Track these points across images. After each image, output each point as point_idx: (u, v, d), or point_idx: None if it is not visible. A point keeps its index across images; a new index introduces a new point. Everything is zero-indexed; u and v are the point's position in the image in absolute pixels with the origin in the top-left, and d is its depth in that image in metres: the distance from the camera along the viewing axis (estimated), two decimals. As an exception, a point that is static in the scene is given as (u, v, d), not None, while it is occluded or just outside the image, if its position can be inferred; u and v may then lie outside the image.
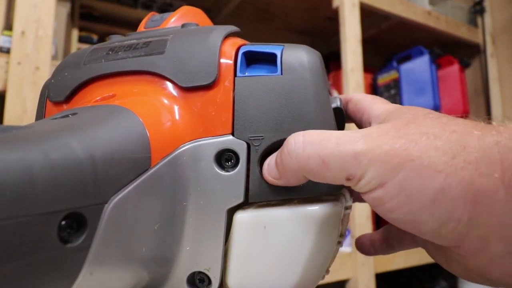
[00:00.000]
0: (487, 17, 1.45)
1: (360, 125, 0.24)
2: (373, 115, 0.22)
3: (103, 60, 0.23)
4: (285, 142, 0.19)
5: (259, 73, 0.21)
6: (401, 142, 0.17)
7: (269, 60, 0.21)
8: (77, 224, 0.15)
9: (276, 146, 0.20)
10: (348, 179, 0.17)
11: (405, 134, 0.17)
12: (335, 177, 0.18)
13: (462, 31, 1.38)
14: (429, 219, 0.16)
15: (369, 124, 0.22)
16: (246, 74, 0.21)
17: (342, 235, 0.23)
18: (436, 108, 1.23)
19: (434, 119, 0.18)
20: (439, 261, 0.21)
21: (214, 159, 0.20)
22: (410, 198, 0.16)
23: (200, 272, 0.20)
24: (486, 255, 0.16)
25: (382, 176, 0.17)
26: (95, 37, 1.19)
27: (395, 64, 1.31)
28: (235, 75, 0.21)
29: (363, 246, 0.27)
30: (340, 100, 0.23)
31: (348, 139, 0.17)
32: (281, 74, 0.20)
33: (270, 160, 0.20)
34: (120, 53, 0.23)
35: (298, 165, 0.18)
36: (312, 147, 0.18)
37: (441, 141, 0.16)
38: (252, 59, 0.22)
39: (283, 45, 0.21)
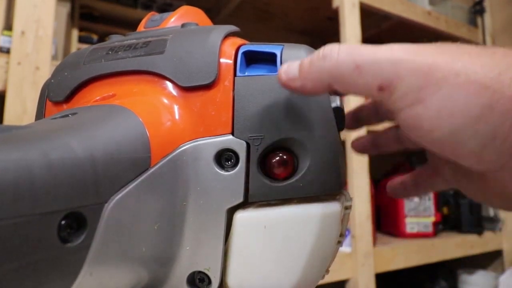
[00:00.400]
0: (487, 17, 1.45)
1: None
2: None
3: (103, 60, 0.23)
4: (319, 50, 0.18)
5: (259, 72, 0.21)
6: (443, 57, 0.16)
7: (269, 59, 0.21)
8: (77, 223, 0.15)
9: (276, 145, 0.20)
10: (381, 89, 0.16)
11: (446, 52, 0.16)
12: (367, 85, 0.17)
13: (462, 31, 1.38)
14: (472, 138, 0.15)
15: None
16: (246, 73, 0.21)
17: (342, 235, 0.23)
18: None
19: (466, 46, 0.17)
20: (476, 195, 0.20)
21: (214, 158, 0.20)
22: (453, 116, 0.15)
23: (200, 272, 0.20)
24: None
25: (422, 89, 0.15)
26: (95, 37, 1.19)
27: (395, 64, 1.31)
28: (235, 74, 0.21)
29: (395, 189, 0.28)
30: (340, 99, 0.23)
31: (387, 48, 0.17)
32: None
33: (291, 62, 0.19)
34: (120, 53, 0.23)
35: (329, 69, 0.17)
36: (347, 53, 0.17)
37: (484, 58, 0.16)
38: (252, 59, 0.22)
39: (283, 45, 0.21)
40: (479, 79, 0.15)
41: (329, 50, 0.18)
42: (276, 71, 0.21)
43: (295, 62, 0.19)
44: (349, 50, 0.17)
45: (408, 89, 0.16)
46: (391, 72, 0.16)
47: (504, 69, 0.15)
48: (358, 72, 0.17)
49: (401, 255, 1.03)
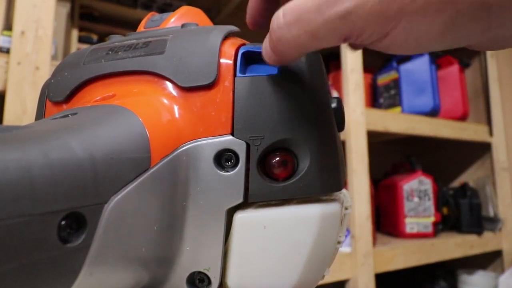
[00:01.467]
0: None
1: None
2: None
3: (103, 60, 0.23)
4: (270, 27, 0.18)
5: (259, 73, 0.21)
6: None
7: None
8: (77, 224, 0.15)
9: (276, 146, 0.20)
10: (345, 40, 0.17)
11: None
12: (331, 43, 0.17)
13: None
14: (440, 46, 0.16)
15: None
16: (246, 74, 0.21)
17: (342, 235, 0.23)
18: (436, 108, 1.23)
19: None
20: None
21: (213, 159, 0.20)
22: (419, 39, 0.16)
23: (200, 272, 0.20)
24: None
25: (383, 26, 0.15)
26: (95, 37, 1.19)
27: (395, 64, 1.31)
28: (234, 75, 0.21)
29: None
30: (340, 100, 0.23)
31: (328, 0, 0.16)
32: (280, 74, 0.20)
33: (265, 44, 0.19)
34: (120, 53, 0.23)
35: (290, 48, 0.17)
36: (296, 27, 0.17)
37: None
38: (251, 59, 0.22)
39: None
40: None
41: (277, 30, 0.17)
42: (275, 71, 0.21)
43: (265, 43, 0.19)
44: (296, 22, 0.17)
45: (370, 33, 0.16)
46: (347, 27, 0.16)
47: None
48: (317, 40, 0.17)
49: (401, 255, 1.03)
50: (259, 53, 0.22)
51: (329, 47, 0.18)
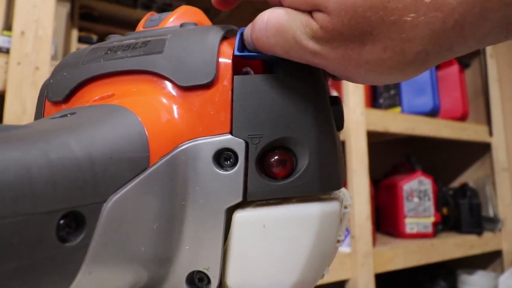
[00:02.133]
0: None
1: None
2: None
3: (101, 60, 0.23)
4: (253, 23, 0.20)
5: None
6: (352, 45, 0.17)
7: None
8: (75, 223, 0.15)
9: (274, 144, 0.20)
10: (313, 64, 0.19)
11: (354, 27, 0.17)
12: (300, 61, 0.20)
13: (462, 32, 1.38)
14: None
15: None
16: (245, 52, 0.21)
17: (341, 234, 0.23)
18: (436, 108, 1.23)
19: None
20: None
21: (212, 158, 0.20)
22: (375, 81, 0.19)
23: (199, 272, 0.20)
24: None
25: (345, 72, 0.19)
26: (94, 37, 1.19)
27: (394, 64, 1.31)
28: (233, 74, 0.21)
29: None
30: (339, 99, 0.23)
31: (304, 34, 0.18)
32: (279, 73, 0.20)
33: (246, 31, 0.21)
34: (118, 52, 0.23)
35: (265, 49, 0.20)
36: (274, 38, 0.19)
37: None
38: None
39: None
40: (386, 64, 0.17)
41: (257, 31, 0.20)
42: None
43: (247, 33, 0.21)
44: (275, 34, 0.19)
45: (333, 70, 0.19)
46: (315, 60, 0.19)
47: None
48: (289, 56, 0.19)
49: (401, 255, 1.03)
50: None
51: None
